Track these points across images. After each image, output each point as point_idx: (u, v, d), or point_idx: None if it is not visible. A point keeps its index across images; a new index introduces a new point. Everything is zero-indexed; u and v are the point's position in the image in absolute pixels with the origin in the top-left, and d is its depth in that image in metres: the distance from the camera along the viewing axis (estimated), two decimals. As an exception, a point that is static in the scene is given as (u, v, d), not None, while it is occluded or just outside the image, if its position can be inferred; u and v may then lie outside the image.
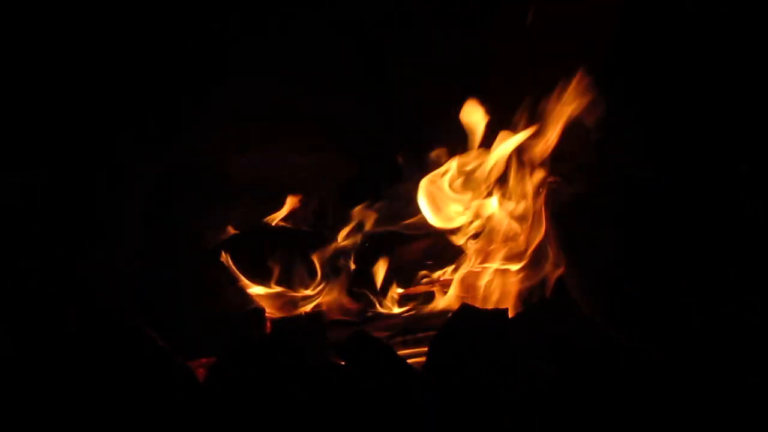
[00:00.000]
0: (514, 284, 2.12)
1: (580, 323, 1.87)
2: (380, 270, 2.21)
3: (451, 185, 2.19)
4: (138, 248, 2.19)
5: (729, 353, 1.72)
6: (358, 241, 2.24)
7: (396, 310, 2.14)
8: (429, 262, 2.21)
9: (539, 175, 2.08)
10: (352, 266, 2.22)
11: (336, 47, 2.35)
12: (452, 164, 2.20)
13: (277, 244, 2.26)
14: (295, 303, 2.20)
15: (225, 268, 2.20)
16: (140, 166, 2.23)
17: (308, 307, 2.19)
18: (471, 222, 2.19)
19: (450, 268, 2.18)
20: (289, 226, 2.37)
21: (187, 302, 2.07)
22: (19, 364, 1.78)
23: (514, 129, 2.12)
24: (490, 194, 2.18)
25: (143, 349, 1.79)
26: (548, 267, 2.05)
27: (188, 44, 2.23)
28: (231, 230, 2.30)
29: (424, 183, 2.20)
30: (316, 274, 2.22)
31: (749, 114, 1.88)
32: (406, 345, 2.03)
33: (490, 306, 2.10)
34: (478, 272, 2.16)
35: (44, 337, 1.86)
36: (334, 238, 2.27)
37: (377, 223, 2.27)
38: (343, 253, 2.24)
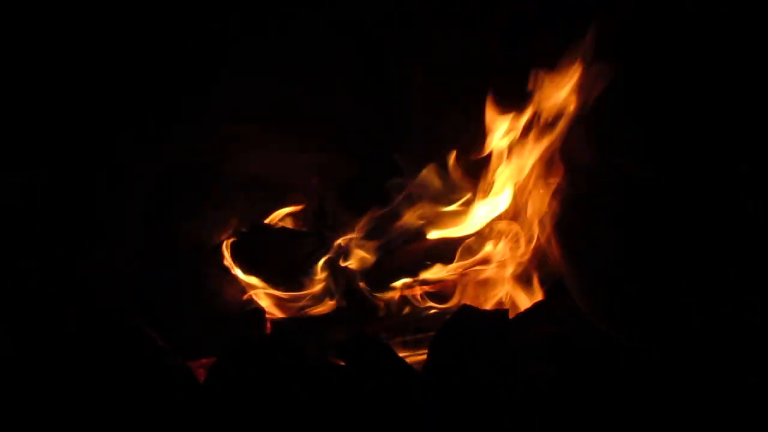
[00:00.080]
0: (515, 283, 2.13)
1: (580, 323, 1.87)
2: (380, 270, 2.21)
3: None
4: (138, 248, 2.19)
5: (729, 353, 1.72)
6: (359, 241, 2.25)
7: (397, 310, 2.14)
8: (429, 263, 2.20)
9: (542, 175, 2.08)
10: (353, 266, 2.22)
11: (336, 47, 2.35)
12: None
13: (277, 245, 2.27)
14: (295, 303, 2.20)
15: (225, 269, 2.20)
16: (140, 166, 2.23)
17: (308, 308, 2.19)
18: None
19: (450, 269, 2.18)
20: (289, 226, 2.37)
21: (187, 302, 2.08)
22: (19, 364, 1.78)
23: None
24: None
25: (143, 349, 1.79)
26: (548, 267, 2.06)
27: (188, 44, 2.23)
28: (231, 230, 2.30)
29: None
30: (317, 275, 2.22)
31: (749, 114, 1.87)
32: (406, 345, 2.03)
33: (491, 306, 2.11)
34: (479, 272, 2.16)
35: (44, 337, 1.86)
36: (334, 239, 2.27)
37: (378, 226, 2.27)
38: (343, 253, 2.24)
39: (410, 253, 2.24)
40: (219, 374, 1.72)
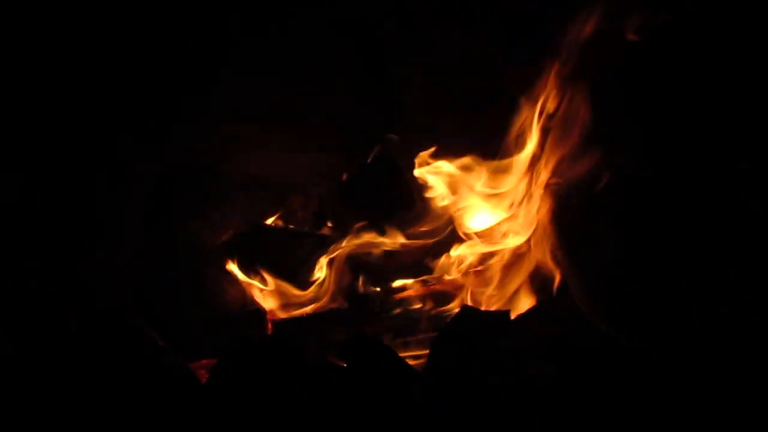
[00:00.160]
0: (516, 284, 2.12)
1: (580, 323, 1.87)
2: (381, 271, 2.21)
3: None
4: (138, 248, 2.19)
5: (729, 353, 1.72)
6: (359, 241, 2.25)
7: (397, 311, 2.14)
8: (429, 264, 2.21)
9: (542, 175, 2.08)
10: (353, 267, 2.23)
11: (336, 47, 2.35)
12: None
13: (277, 245, 2.26)
14: (296, 304, 2.20)
15: (225, 269, 2.20)
16: (140, 166, 2.23)
17: (309, 308, 2.19)
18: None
19: (451, 269, 2.18)
20: (289, 226, 2.37)
21: (187, 302, 2.08)
22: (19, 364, 1.78)
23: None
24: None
25: (143, 349, 1.79)
26: (549, 267, 2.06)
27: (188, 44, 2.23)
28: (231, 231, 2.30)
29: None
30: (317, 275, 2.22)
31: (749, 114, 1.87)
32: (407, 346, 2.03)
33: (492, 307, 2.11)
34: (481, 273, 2.16)
35: (44, 337, 1.86)
36: (334, 239, 2.27)
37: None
38: (344, 254, 2.24)
39: (411, 253, 2.24)
40: (220, 374, 1.72)
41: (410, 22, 2.35)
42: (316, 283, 2.21)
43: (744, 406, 1.62)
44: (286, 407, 1.62)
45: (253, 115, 2.31)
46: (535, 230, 2.11)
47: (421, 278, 2.20)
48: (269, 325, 2.10)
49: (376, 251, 2.23)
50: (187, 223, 2.26)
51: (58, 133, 2.14)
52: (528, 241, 2.13)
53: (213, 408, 1.64)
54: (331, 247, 2.24)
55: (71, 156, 2.14)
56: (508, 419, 1.61)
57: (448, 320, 1.97)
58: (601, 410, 1.62)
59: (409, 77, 2.36)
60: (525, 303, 2.07)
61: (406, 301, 2.16)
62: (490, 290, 2.15)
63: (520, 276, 2.12)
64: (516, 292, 2.11)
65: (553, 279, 2.06)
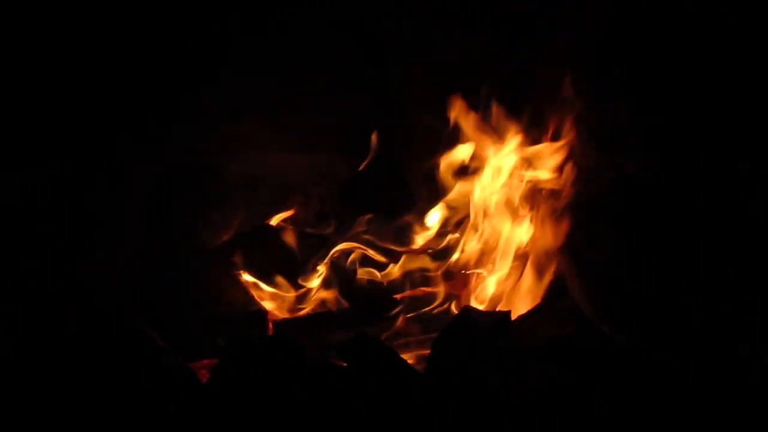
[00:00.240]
0: (516, 284, 2.12)
1: (580, 324, 1.87)
2: (382, 271, 2.22)
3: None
4: (138, 248, 2.19)
5: (729, 353, 1.72)
6: (360, 242, 2.25)
7: (398, 311, 2.14)
8: (431, 264, 2.21)
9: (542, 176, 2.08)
10: (354, 267, 2.23)
11: (336, 47, 2.35)
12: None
13: (278, 245, 2.26)
14: (296, 304, 2.20)
15: (226, 269, 2.20)
16: (140, 166, 2.23)
17: (310, 309, 2.19)
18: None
19: (454, 270, 2.18)
20: (290, 226, 2.36)
21: (188, 302, 2.07)
22: (19, 364, 1.78)
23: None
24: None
25: (143, 349, 1.79)
26: (549, 267, 2.06)
27: (188, 44, 2.23)
28: (232, 231, 2.30)
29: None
30: (318, 275, 2.22)
31: (749, 114, 1.87)
32: (408, 347, 2.03)
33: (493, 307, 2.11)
34: (481, 273, 2.16)
35: (44, 337, 1.86)
36: (335, 239, 2.27)
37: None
38: (345, 254, 2.24)
39: (413, 253, 2.24)
40: (221, 374, 1.72)
41: (410, 22, 2.35)
42: (317, 283, 2.21)
43: (744, 406, 1.63)
44: (286, 407, 1.62)
45: (253, 115, 2.31)
46: (535, 230, 2.11)
47: (423, 279, 2.21)
48: (270, 326, 2.10)
49: (377, 251, 2.23)
50: (187, 223, 2.26)
51: (58, 133, 2.14)
52: (528, 241, 2.14)
53: (213, 408, 1.64)
54: (332, 247, 2.24)
55: (71, 156, 2.14)
56: (508, 419, 1.61)
57: (448, 320, 1.97)
58: (601, 410, 1.62)
59: (409, 77, 2.36)
60: (525, 303, 2.07)
61: (407, 302, 2.16)
62: (491, 290, 2.15)
63: (521, 275, 2.12)
64: (517, 292, 2.11)
65: (553, 279, 2.06)
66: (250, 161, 2.34)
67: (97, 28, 2.16)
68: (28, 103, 2.12)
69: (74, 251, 2.09)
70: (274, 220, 2.38)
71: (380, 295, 2.18)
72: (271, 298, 2.21)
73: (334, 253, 2.23)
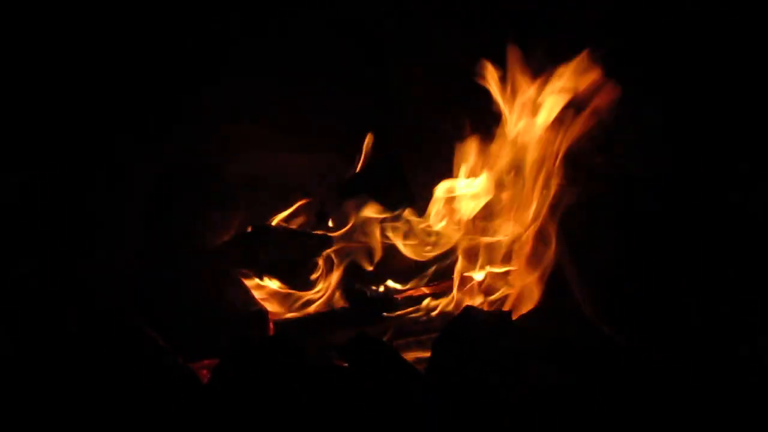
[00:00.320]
0: (516, 285, 2.12)
1: (580, 324, 1.87)
2: (383, 271, 2.21)
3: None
4: (138, 248, 2.18)
5: (729, 353, 1.72)
6: (362, 241, 2.25)
7: (399, 311, 2.14)
8: (431, 264, 2.21)
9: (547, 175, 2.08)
10: (356, 267, 2.22)
11: (336, 47, 2.35)
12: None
13: (279, 245, 2.26)
14: (297, 304, 2.20)
15: (227, 269, 2.20)
16: (140, 166, 2.23)
17: (310, 309, 2.19)
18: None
19: (454, 270, 2.18)
20: (291, 226, 2.36)
21: (188, 303, 2.07)
22: (19, 364, 1.78)
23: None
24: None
25: (143, 349, 1.79)
26: (549, 267, 2.06)
27: (188, 44, 2.23)
28: (233, 230, 2.30)
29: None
30: (319, 275, 2.22)
31: (749, 114, 1.88)
32: (410, 347, 2.03)
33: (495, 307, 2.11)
34: (482, 273, 2.16)
35: (44, 337, 1.86)
36: (336, 239, 2.26)
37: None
38: (346, 254, 2.24)
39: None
40: (221, 375, 1.72)
41: (410, 22, 2.35)
42: (318, 283, 2.21)
43: (744, 406, 1.63)
44: (287, 407, 1.62)
45: (253, 115, 2.31)
46: (536, 230, 2.11)
47: (423, 278, 2.21)
48: (271, 326, 2.10)
49: (378, 251, 2.23)
50: (187, 223, 2.26)
51: (58, 133, 2.14)
52: (529, 241, 2.13)
53: (214, 408, 1.64)
54: (333, 247, 2.24)
55: (71, 156, 2.14)
56: (508, 419, 1.61)
57: (449, 320, 1.97)
58: (601, 410, 1.62)
59: (409, 77, 2.36)
60: (525, 303, 2.07)
61: (408, 302, 2.16)
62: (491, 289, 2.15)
63: (522, 275, 2.12)
64: (517, 292, 2.11)
65: (553, 279, 2.06)
66: (250, 161, 2.34)
67: (97, 29, 2.16)
68: (29, 104, 2.12)
69: (74, 251, 2.09)
70: (274, 220, 2.38)
71: (380, 295, 2.18)
72: (271, 297, 2.20)
73: (335, 253, 2.23)
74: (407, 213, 2.25)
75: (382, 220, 2.22)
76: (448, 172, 2.25)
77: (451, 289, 2.16)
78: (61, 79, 2.15)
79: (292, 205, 2.39)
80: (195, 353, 1.91)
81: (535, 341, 1.80)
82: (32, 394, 1.70)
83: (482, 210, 2.20)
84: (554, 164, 2.04)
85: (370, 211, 2.23)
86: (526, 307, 2.05)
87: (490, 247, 2.16)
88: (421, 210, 2.27)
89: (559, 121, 2.01)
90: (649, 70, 1.97)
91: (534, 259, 2.11)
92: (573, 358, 1.77)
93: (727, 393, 1.65)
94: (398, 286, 2.20)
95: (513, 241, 2.14)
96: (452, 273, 2.17)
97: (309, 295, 2.20)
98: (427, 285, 2.20)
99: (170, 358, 1.79)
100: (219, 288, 2.13)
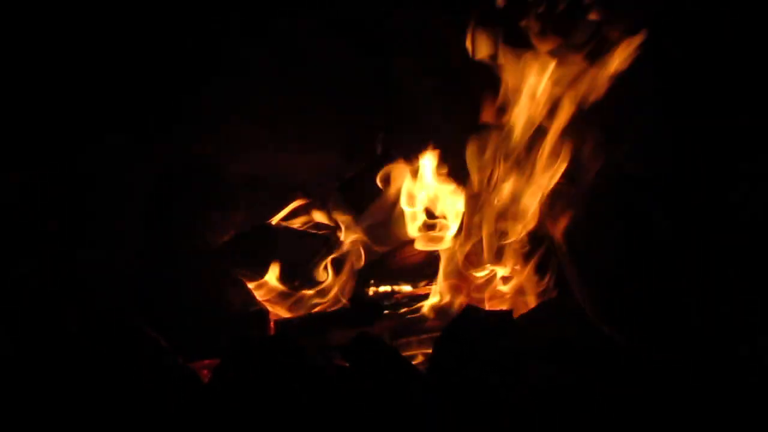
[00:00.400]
0: (515, 284, 2.12)
1: (580, 323, 1.87)
2: (385, 270, 2.22)
3: None
4: (138, 248, 2.18)
5: (729, 353, 1.72)
6: (363, 241, 2.25)
7: (400, 311, 2.14)
8: (433, 264, 2.21)
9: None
10: (357, 266, 2.23)
11: (336, 47, 2.35)
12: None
13: (280, 245, 2.26)
14: (298, 304, 2.20)
15: (227, 269, 2.20)
16: (140, 166, 2.23)
17: (311, 308, 2.19)
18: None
19: (454, 269, 2.18)
20: (291, 226, 2.37)
21: (187, 303, 2.07)
22: (19, 364, 1.78)
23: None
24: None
25: (143, 349, 1.79)
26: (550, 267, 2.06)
27: (188, 44, 2.23)
28: (233, 230, 2.30)
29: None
30: (320, 275, 2.22)
31: (749, 114, 1.88)
32: (411, 346, 2.03)
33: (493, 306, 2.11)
34: (482, 273, 2.16)
35: (44, 337, 1.86)
36: (337, 239, 2.26)
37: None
38: (347, 253, 2.24)
39: (415, 252, 2.24)
40: (221, 375, 1.72)
41: (410, 22, 2.35)
42: (319, 283, 2.21)
43: (744, 406, 1.63)
44: (287, 407, 1.62)
45: (253, 115, 2.31)
46: (536, 230, 2.11)
47: (424, 278, 2.21)
48: (272, 326, 2.10)
49: (379, 251, 2.23)
50: (187, 223, 2.26)
51: (58, 133, 2.14)
52: (529, 240, 2.14)
53: (214, 408, 1.64)
54: (333, 247, 2.24)
55: (71, 156, 2.14)
56: (508, 419, 1.61)
57: (451, 320, 1.97)
58: (601, 410, 1.62)
59: (409, 77, 2.36)
60: (526, 303, 2.07)
61: (408, 301, 2.16)
62: (492, 289, 2.15)
63: (522, 275, 2.12)
64: (517, 292, 2.11)
65: (553, 279, 2.06)
66: (250, 161, 2.34)
67: (97, 29, 2.16)
68: (29, 104, 2.12)
69: (74, 251, 2.09)
70: (274, 220, 2.38)
71: (381, 295, 2.18)
72: (271, 297, 2.20)
73: (335, 253, 2.23)
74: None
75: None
76: (449, 171, 2.26)
77: (450, 289, 2.16)
78: (61, 79, 2.15)
79: (293, 205, 2.39)
80: (195, 353, 1.92)
81: (535, 341, 1.80)
82: (32, 394, 1.70)
83: (482, 210, 2.20)
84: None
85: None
86: (526, 307, 2.05)
87: (491, 247, 2.16)
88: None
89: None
90: (649, 70, 1.97)
91: (534, 259, 2.12)
92: (573, 358, 1.77)
93: (727, 393, 1.65)
94: (399, 286, 2.20)
95: (513, 241, 2.14)
96: (453, 273, 2.17)
97: (309, 294, 2.20)
98: (427, 285, 2.20)
99: (170, 358, 1.79)
100: (219, 288, 2.13)
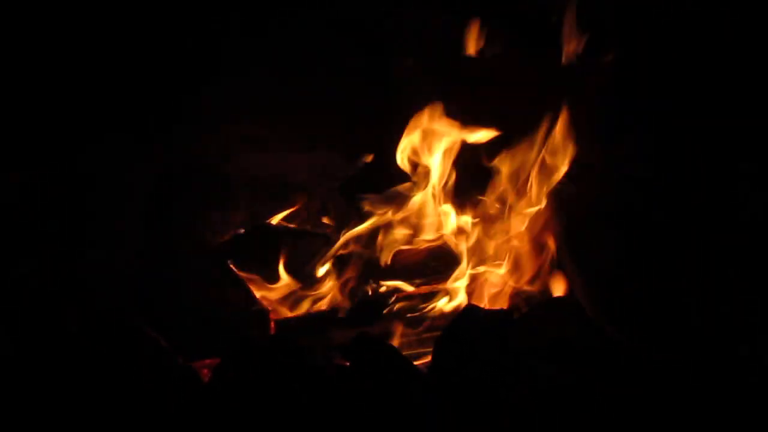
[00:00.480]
0: (516, 285, 2.12)
1: (581, 323, 1.87)
2: (386, 270, 2.21)
3: None
4: (138, 248, 2.18)
5: (729, 353, 1.72)
6: (363, 241, 2.25)
7: (400, 310, 2.14)
8: (434, 263, 2.21)
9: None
10: (357, 266, 2.22)
11: (336, 47, 2.35)
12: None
13: (280, 245, 2.26)
14: (298, 304, 2.20)
15: (228, 269, 2.20)
16: (140, 166, 2.23)
17: (311, 308, 2.19)
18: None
19: (454, 269, 2.18)
20: (291, 226, 2.37)
21: (187, 303, 2.07)
22: (19, 364, 1.78)
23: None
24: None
25: (143, 349, 1.79)
26: (549, 267, 2.06)
27: (188, 44, 2.23)
28: (233, 230, 2.30)
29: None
30: (321, 275, 2.22)
31: (749, 114, 1.88)
32: (411, 346, 2.03)
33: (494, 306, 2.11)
34: (482, 273, 2.16)
35: (44, 337, 1.86)
36: (338, 239, 2.26)
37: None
38: (348, 253, 2.24)
39: (416, 252, 2.24)
40: (221, 374, 1.72)
41: (410, 21, 2.35)
42: (319, 282, 2.21)
43: (744, 406, 1.63)
44: (287, 407, 1.62)
45: (253, 115, 2.31)
46: (536, 230, 2.11)
47: (425, 277, 2.21)
48: (272, 325, 2.10)
49: (380, 250, 2.23)
50: (187, 223, 2.26)
51: (58, 133, 2.14)
52: (529, 241, 2.14)
53: (214, 408, 1.64)
54: (334, 246, 2.24)
55: (71, 156, 2.14)
56: (508, 419, 1.61)
57: (451, 320, 1.97)
58: (601, 410, 1.63)
59: (409, 77, 2.35)
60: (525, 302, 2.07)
61: (409, 301, 2.16)
62: (493, 289, 2.15)
63: (523, 275, 2.12)
64: (518, 291, 2.11)
65: (553, 279, 2.06)
66: (250, 161, 2.34)
67: (97, 28, 2.16)
68: (28, 104, 2.12)
69: (74, 251, 2.09)
70: (274, 220, 2.37)
71: (381, 295, 2.18)
72: (271, 297, 2.20)
73: (334, 253, 2.23)
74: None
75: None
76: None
77: (451, 289, 2.16)
78: (61, 79, 2.15)
79: (292, 205, 2.39)
80: (195, 353, 1.91)
81: (535, 341, 1.80)
82: (32, 394, 1.70)
83: (481, 210, 2.21)
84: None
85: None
86: (526, 306, 2.05)
87: (491, 246, 2.16)
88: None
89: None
90: (649, 70, 1.97)
91: (533, 258, 2.12)
92: (573, 358, 1.77)
93: (727, 393, 1.65)
94: (399, 286, 2.20)
95: (513, 240, 2.14)
96: (453, 272, 2.17)
97: (310, 294, 2.20)
98: (427, 284, 2.20)
99: (170, 358, 1.79)
100: (219, 288, 2.13)
